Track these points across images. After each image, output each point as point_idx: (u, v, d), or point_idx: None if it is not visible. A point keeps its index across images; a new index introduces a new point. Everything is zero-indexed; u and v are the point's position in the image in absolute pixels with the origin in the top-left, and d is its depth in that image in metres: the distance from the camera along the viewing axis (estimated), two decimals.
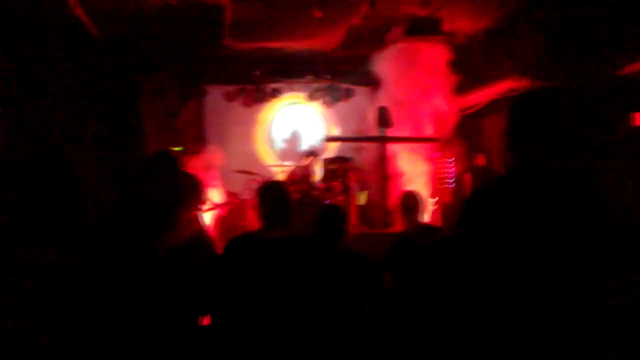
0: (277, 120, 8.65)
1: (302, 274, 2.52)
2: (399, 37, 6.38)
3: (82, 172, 1.90)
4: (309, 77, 8.28)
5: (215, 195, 6.25)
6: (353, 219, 5.92)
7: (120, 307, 1.85)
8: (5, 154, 3.87)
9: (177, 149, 6.82)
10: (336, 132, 8.49)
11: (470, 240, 1.61)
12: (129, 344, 1.90)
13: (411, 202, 3.51)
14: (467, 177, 6.57)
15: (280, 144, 8.58)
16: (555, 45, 5.51)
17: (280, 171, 7.66)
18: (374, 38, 6.63)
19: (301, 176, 6.49)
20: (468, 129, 6.79)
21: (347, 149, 7.75)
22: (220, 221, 6.22)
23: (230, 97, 8.35)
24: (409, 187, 5.60)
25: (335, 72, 8.23)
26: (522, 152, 1.62)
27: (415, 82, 6.46)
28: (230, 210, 6.48)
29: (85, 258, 1.76)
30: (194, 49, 7.10)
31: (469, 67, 6.63)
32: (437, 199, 6.56)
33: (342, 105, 8.56)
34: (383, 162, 6.29)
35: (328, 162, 6.68)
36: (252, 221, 6.17)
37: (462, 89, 6.45)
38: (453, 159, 6.88)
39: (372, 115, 6.46)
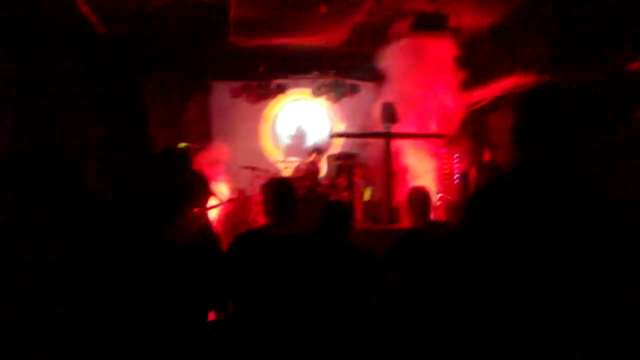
0: (282, 117, 8.65)
1: (308, 270, 2.53)
2: (404, 33, 6.36)
3: (86, 171, 1.90)
4: (314, 73, 8.28)
5: (221, 191, 6.26)
6: (358, 215, 5.92)
7: (126, 305, 1.85)
8: (9, 153, 3.89)
9: (182, 145, 6.83)
10: (341, 128, 8.49)
11: (475, 236, 1.62)
12: (135, 341, 1.91)
13: (420, 198, 3.50)
14: (473, 173, 6.54)
15: (285, 140, 8.58)
16: (561, 40, 5.48)
17: (285, 167, 7.67)
18: (379, 34, 6.62)
19: (306, 172, 6.49)
20: (474, 125, 6.77)
21: (352, 145, 7.74)
22: (226, 217, 6.23)
23: (235, 94, 8.36)
24: (416, 183, 5.60)
25: (341, 68, 8.22)
26: (528, 149, 1.62)
27: (421, 78, 6.44)
28: (236, 206, 6.49)
29: (89, 257, 1.76)
30: (198, 46, 7.11)
31: (474, 63, 6.61)
32: (442, 195, 6.54)
33: (347, 101, 8.55)
34: (388, 158, 6.28)
35: (333, 158, 6.68)
36: (258, 217, 6.20)
37: (468, 84, 6.42)
38: (459, 155, 6.85)
39: (377, 111, 6.45)
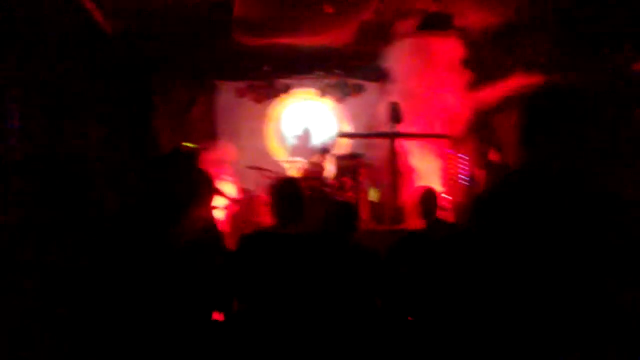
0: (288, 116, 8.64)
1: (313, 270, 2.53)
2: (409, 32, 6.35)
3: (90, 171, 1.91)
4: (319, 73, 8.26)
5: (227, 190, 6.26)
6: (363, 215, 5.91)
7: (130, 303, 1.85)
8: (13, 153, 3.91)
9: (188, 145, 6.84)
10: (347, 128, 8.47)
11: (479, 237, 1.62)
12: (140, 339, 1.90)
13: (427, 198, 3.50)
14: (480, 174, 6.52)
15: (290, 140, 8.57)
16: (564, 40, 5.47)
17: (290, 167, 7.67)
18: (384, 33, 6.60)
19: (312, 173, 6.48)
20: (481, 124, 6.74)
21: (358, 145, 7.73)
22: (231, 217, 6.23)
23: (240, 93, 8.36)
24: (422, 184, 5.59)
25: (346, 68, 8.19)
26: (534, 149, 1.62)
27: (427, 77, 6.43)
28: (242, 206, 6.48)
29: (92, 257, 1.76)
30: (203, 45, 7.11)
31: (480, 63, 6.58)
32: (449, 195, 6.51)
33: (352, 100, 8.53)
34: (394, 158, 6.27)
35: (339, 158, 6.67)
36: (264, 217, 6.18)
37: (473, 84, 6.40)
38: (465, 155, 6.82)
39: (382, 111, 6.44)
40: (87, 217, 1.87)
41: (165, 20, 6.15)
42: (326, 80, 8.46)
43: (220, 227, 5.66)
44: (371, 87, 8.41)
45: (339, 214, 2.92)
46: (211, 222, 5.25)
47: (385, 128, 6.31)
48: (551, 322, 1.46)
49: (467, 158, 6.71)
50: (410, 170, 6.46)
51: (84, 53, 5.66)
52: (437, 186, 6.30)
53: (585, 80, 4.95)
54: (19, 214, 1.75)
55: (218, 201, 6.22)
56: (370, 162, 6.76)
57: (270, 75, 8.16)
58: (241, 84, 8.34)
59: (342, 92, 8.43)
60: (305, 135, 8.56)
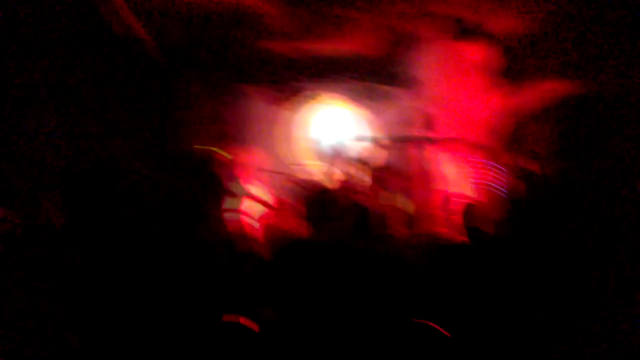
0: (317, 123, 8.63)
1: (347, 278, 2.52)
2: (440, 38, 6.31)
3: (126, 175, 1.93)
4: (349, 79, 8.24)
5: (260, 196, 6.28)
6: (395, 223, 5.85)
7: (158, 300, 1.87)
8: (59, 160, 3.99)
9: (214, 149, 6.89)
10: (376, 134, 8.42)
11: (517, 244, 1.61)
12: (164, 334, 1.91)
13: (472, 212, 3.45)
14: (511, 182, 6.41)
15: (318, 147, 8.56)
16: (603, 46, 5.37)
17: (320, 174, 7.64)
18: (413, 39, 6.57)
19: (342, 180, 6.46)
20: (515, 132, 6.64)
21: (388, 153, 7.66)
22: (264, 224, 6.23)
23: (267, 99, 8.39)
24: (452, 192, 5.54)
25: (374, 74, 8.15)
26: (568, 157, 1.58)
27: (456, 84, 6.37)
28: (271, 211, 6.48)
29: (131, 256, 1.78)
30: (231, 51, 7.18)
31: (512, 69, 6.50)
32: (481, 203, 6.42)
33: (380, 107, 8.48)
34: (423, 165, 6.22)
35: (368, 165, 6.63)
36: (294, 223, 6.18)
37: (506, 91, 6.32)
38: (498, 163, 6.71)
39: (411, 118, 6.40)
40: (121, 220, 1.90)
41: (194, 25, 6.23)
42: (355, 87, 8.42)
43: (249, 232, 5.70)
44: (400, 93, 8.33)
45: (370, 222, 2.91)
46: (239, 225, 5.27)
47: (416, 135, 6.27)
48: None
49: (499, 166, 6.60)
50: (441, 178, 6.39)
51: (116, 60, 5.77)
52: (469, 194, 6.22)
53: (619, 88, 4.86)
54: (63, 218, 1.78)
55: (251, 207, 6.26)
56: (400, 169, 6.70)
57: (298, 81, 8.17)
58: (269, 90, 8.37)
59: (372, 98, 8.37)
60: (334, 142, 8.53)
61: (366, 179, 6.37)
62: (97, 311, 1.72)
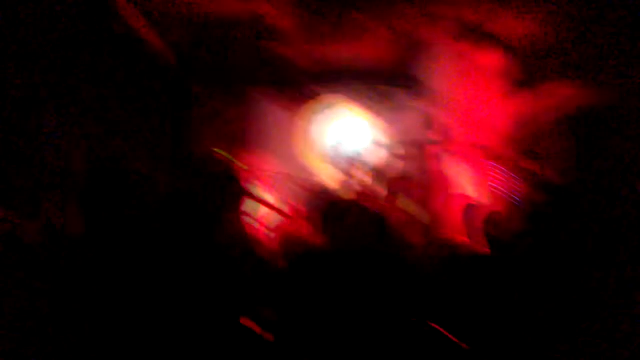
0: (322, 126, 8.62)
1: (361, 287, 2.51)
2: (448, 43, 6.29)
3: (141, 177, 1.92)
4: (356, 83, 8.22)
5: (268, 202, 6.27)
6: (410, 231, 5.83)
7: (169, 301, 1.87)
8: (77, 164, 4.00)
9: (222, 152, 6.89)
10: (384, 138, 8.40)
11: (531, 251, 1.60)
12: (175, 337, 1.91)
13: (475, 213, 3.44)
14: (522, 188, 6.39)
15: (325, 150, 8.54)
16: (617, 50, 5.35)
17: (328, 179, 7.63)
18: (422, 44, 6.57)
19: (351, 185, 6.45)
20: (528, 138, 6.61)
21: (393, 156, 7.64)
22: (275, 229, 6.22)
23: (276, 103, 8.38)
24: (463, 197, 5.52)
25: (390, 80, 8.13)
26: (581, 163, 1.58)
27: (466, 88, 6.35)
28: (284, 218, 6.47)
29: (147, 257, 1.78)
30: (240, 54, 7.18)
31: (522, 73, 6.48)
32: (493, 209, 6.41)
33: (396, 113, 8.45)
34: (433, 170, 6.19)
35: (376, 170, 6.62)
36: (307, 231, 6.17)
37: (516, 95, 6.30)
38: (506, 168, 6.68)
39: (428, 125, 6.39)
40: (138, 221, 1.90)
41: (204, 28, 6.24)
42: (361, 89, 8.41)
43: (257, 235, 5.70)
44: (415, 99, 8.30)
45: (377, 226, 2.91)
46: (249, 231, 5.28)
47: (430, 142, 6.25)
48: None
49: (508, 171, 6.58)
50: (451, 183, 6.36)
51: (130, 64, 5.78)
52: (480, 200, 6.20)
53: (619, 87, 4.86)
54: (83, 222, 1.79)
55: (257, 210, 6.24)
56: (415, 176, 6.68)
57: (307, 85, 8.16)
58: (283, 96, 8.35)
59: (386, 104, 8.35)
60: (339, 145, 8.52)
61: (380, 186, 6.36)
62: (99, 311, 1.70)
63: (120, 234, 1.78)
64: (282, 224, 6.49)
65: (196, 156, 7.26)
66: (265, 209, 6.51)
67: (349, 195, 6.23)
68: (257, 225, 6.21)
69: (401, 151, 7.57)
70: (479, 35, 6.19)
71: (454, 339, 2.96)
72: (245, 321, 2.63)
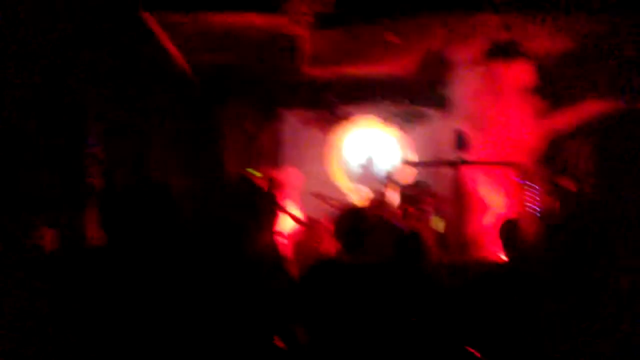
0: (352, 144, 8.68)
1: (380, 301, 2.50)
2: (476, 60, 6.28)
3: (172, 196, 2.01)
4: (384, 101, 8.26)
5: (292, 216, 6.35)
6: (431, 245, 5.80)
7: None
8: (108, 181, 4.14)
9: (254, 172, 7.02)
10: (411, 156, 8.39)
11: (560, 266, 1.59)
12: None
13: (510, 230, 3.35)
14: (552, 204, 6.27)
15: (355, 168, 8.58)
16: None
17: (355, 195, 7.67)
18: (450, 61, 6.57)
19: (377, 201, 6.45)
20: (553, 152, 6.50)
21: (423, 174, 7.63)
22: (295, 243, 6.29)
23: (305, 122, 8.49)
24: (494, 213, 5.48)
25: (411, 95, 8.15)
26: (610, 179, 1.58)
27: (494, 104, 6.30)
28: (306, 232, 6.54)
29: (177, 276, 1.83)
30: (272, 76, 7.32)
31: (551, 89, 6.40)
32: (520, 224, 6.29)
33: (417, 128, 8.45)
34: (460, 187, 6.15)
35: (403, 187, 6.61)
36: (328, 244, 6.21)
37: (544, 111, 6.22)
38: (535, 184, 6.57)
39: (448, 139, 6.35)
40: (167, 241, 1.94)
41: (234, 51, 6.39)
42: (390, 108, 8.44)
43: (283, 251, 5.76)
44: (437, 114, 8.31)
45: (406, 244, 2.90)
46: (274, 245, 5.34)
47: (451, 156, 6.21)
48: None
49: (537, 187, 6.47)
50: (477, 199, 6.30)
51: (161, 86, 5.98)
52: (506, 216, 6.11)
53: None
54: (107, 238, 1.85)
55: (285, 225, 6.32)
56: (435, 191, 6.65)
57: (335, 104, 8.25)
58: (306, 113, 8.47)
59: (407, 120, 8.36)
60: (369, 164, 8.54)
61: (410, 204, 6.34)
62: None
63: (150, 248, 1.84)
64: (311, 242, 6.55)
65: (229, 175, 7.40)
66: (296, 226, 6.60)
67: (378, 213, 6.23)
68: (287, 243, 6.30)
69: (423, 166, 7.56)
70: (509, 54, 6.17)
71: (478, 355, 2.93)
72: (278, 341, 2.67)
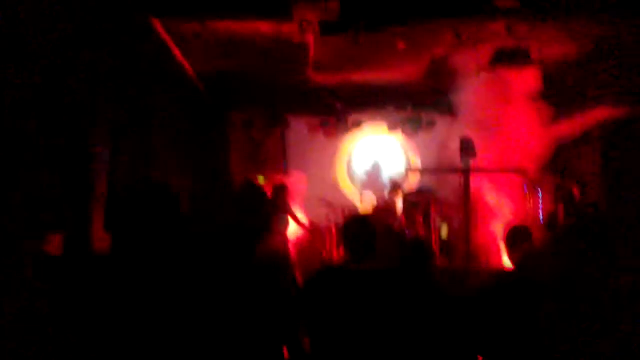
0: (359, 151, 8.69)
1: (385, 307, 2.49)
2: (484, 66, 6.27)
3: (178, 200, 2.02)
4: (391, 108, 8.27)
5: (297, 221, 6.36)
6: (434, 252, 5.78)
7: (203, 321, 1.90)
8: (114, 185, 4.16)
9: (260, 178, 7.04)
10: (418, 162, 8.39)
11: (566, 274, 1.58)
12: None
13: (519, 235, 3.32)
14: (560, 212, 6.22)
15: (361, 175, 8.59)
16: None
17: (361, 202, 7.67)
18: (457, 67, 6.56)
19: (382, 208, 6.46)
20: (561, 160, 6.48)
21: (429, 181, 7.62)
22: (300, 249, 6.30)
23: (312, 129, 8.52)
24: (500, 219, 5.47)
25: (417, 102, 8.16)
26: (619, 185, 1.58)
27: (501, 111, 6.29)
28: (310, 238, 6.55)
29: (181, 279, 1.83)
30: (278, 82, 7.35)
31: (559, 96, 6.38)
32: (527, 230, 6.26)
33: (423, 135, 8.46)
34: (466, 194, 6.12)
35: (409, 193, 6.60)
36: (332, 250, 6.23)
37: (552, 118, 6.20)
38: (544, 192, 6.54)
39: (455, 146, 6.34)
40: (174, 243, 1.95)
41: (241, 58, 6.43)
42: (397, 115, 8.45)
43: (290, 257, 5.77)
44: (443, 121, 8.29)
45: (411, 250, 2.89)
46: (283, 249, 5.34)
47: (458, 163, 6.19)
48: None
49: (546, 195, 6.44)
50: (484, 206, 6.27)
51: (169, 93, 6.02)
52: (512, 223, 6.07)
53: None
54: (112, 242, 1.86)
55: (291, 229, 6.33)
56: (441, 197, 6.64)
57: (342, 110, 8.27)
58: (313, 120, 8.51)
59: (414, 126, 8.37)
60: (376, 170, 8.55)
61: (407, 207, 6.34)
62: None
63: (155, 253, 1.85)
64: (316, 248, 6.56)
65: (235, 181, 7.42)
66: (301, 232, 6.61)
67: (383, 220, 6.23)
68: (293, 249, 6.31)
69: (437, 176, 7.53)
70: (515, 60, 6.16)
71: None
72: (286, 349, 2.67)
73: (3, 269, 1.91)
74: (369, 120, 8.56)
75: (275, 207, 6.06)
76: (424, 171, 8.08)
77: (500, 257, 5.70)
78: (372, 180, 8.35)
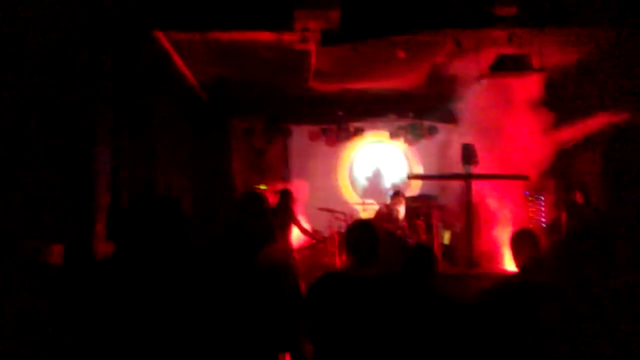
0: (360, 159, 8.71)
1: (389, 314, 2.49)
2: (484, 74, 6.28)
3: (181, 209, 2.03)
4: (392, 116, 8.30)
5: (300, 228, 6.36)
6: (437, 257, 5.78)
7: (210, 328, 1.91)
8: (116, 188, 4.17)
9: (262, 187, 7.05)
10: (419, 170, 8.40)
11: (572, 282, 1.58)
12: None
13: (524, 238, 3.31)
14: (563, 217, 6.22)
15: (363, 182, 8.60)
16: None
17: (363, 209, 7.68)
18: (458, 75, 6.58)
19: (385, 215, 6.45)
20: (562, 165, 6.47)
21: (430, 187, 7.63)
22: (302, 257, 6.30)
23: (314, 137, 8.54)
24: (500, 225, 5.46)
25: (418, 110, 8.19)
26: (621, 190, 1.59)
27: (503, 118, 6.30)
28: (313, 246, 6.55)
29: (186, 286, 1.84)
30: (280, 91, 7.39)
31: (560, 102, 6.39)
32: (530, 236, 6.25)
33: (425, 142, 8.48)
34: (468, 200, 6.12)
35: (411, 200, 6.61)
36: (335, 258, 6.23)
37: (553, 124, 6.20)
38: (545, 197, 6.55)
39: (456, 153, 6.35)
40: (178, 251, 1.95)
41: (242, 67, 6.46)
42: (398, 123, 8.48)
43: (293, 264, 5.76)
44: (444, 128, 8.32)
45: (413, 256, 2.90)
46: (286, 255, 5.34)
47: (459, 169, 6.21)
48: None
49: (547, 200, 6.44)
50: (486, 212, 6.26)
51: (171, 102, 6.05)
52: (514, 229, 6.05)
53: None
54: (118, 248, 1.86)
55: (297, 241, 6.34)
56: (443, 204, 6.65)
57: (343, 119, 8.30)
58: (315, 128, 8.54)
59: (415, 134, 8.40)
60: (378, 178, 8.57)
61: (409, 214, 6.34)
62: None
63: (158, 260, 1.85)
64: (318, 254, 6.56)
65: (238, 190, 7.42)
66: (305, 239, 6.61)
67: (385, 226, 6.23)
68: (296, 256, 6.31)
69: (439, 183, 7.53)
70: (516, 67, 6.17)
71: None
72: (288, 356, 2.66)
73: (3, 270, 1.92)
74: (370, 127, 8.59)
75: (279, 213, 6.06)
76: (425, 177, 8.09)
77: (502, 263, 5.70)
78: (374, 187, 8.36)
